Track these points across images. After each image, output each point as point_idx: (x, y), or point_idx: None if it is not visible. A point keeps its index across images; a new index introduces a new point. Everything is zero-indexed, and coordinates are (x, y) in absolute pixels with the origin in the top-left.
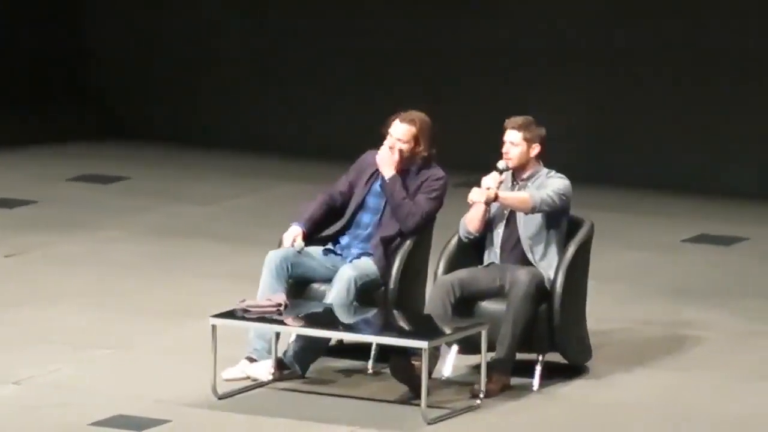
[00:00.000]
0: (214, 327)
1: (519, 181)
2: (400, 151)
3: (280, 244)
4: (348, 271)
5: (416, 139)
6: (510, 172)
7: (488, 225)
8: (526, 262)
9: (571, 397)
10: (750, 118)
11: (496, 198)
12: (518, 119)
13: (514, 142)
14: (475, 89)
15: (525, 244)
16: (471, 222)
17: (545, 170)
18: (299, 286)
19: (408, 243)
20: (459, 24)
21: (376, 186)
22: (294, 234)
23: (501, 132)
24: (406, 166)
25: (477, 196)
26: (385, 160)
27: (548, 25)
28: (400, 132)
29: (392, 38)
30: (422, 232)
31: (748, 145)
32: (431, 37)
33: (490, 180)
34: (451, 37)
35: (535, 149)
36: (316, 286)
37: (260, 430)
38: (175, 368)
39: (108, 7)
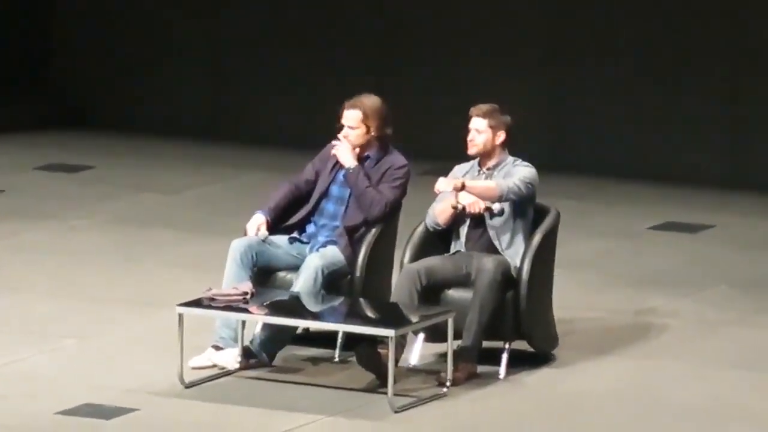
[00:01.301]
0: (180, 316)
1: (485, 170)
2: (348, 137)
3: (245, 234)
4: (315, 260)
5: (365, 122)
6: (476, 161)
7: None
8: (492, 250)
9: (538, 385)
10: (717, 104)
11: (463, 187)
12: (483, 106)
13: (480, 129)
14: (436, 77)
15: (491, 232)
16: (441, 215)
17: (511, 159)
18: (264, 274)
19: (373, 231)
20: (419, 10)
21: (340, 175)
22: (258, 223)
23: (465, 120)
24: (363, 151)
25: (444, 185)
26: (343, 152)
27: (509, 11)
28: (347, 119)
29: (354, 26)
30: (388, 220)
31: (715, 132)
32: (391, 24)
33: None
34: (411, 25)
35: (501, 136)
36: (282, 274)
37: (227, 419)
38: (141, 357)
39: None
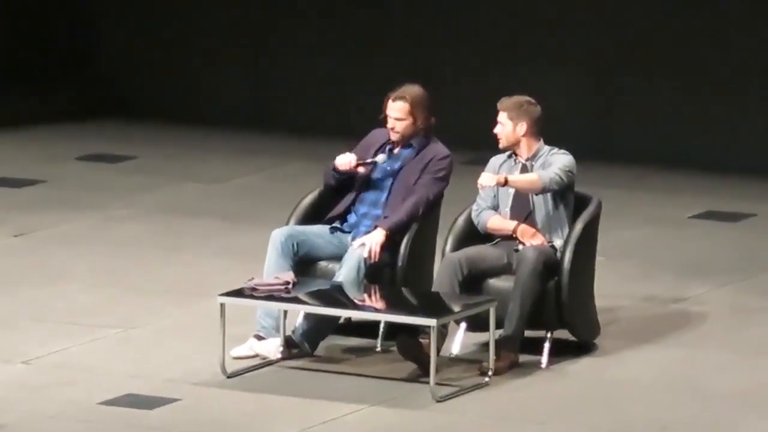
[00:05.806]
0: (222, 305)
1: (523, 161)
2: (395, 129)
3: (334, 168)
4: (358, 249)
5: (412, 113)
6: (509, 153)
7: (496, 204)
8: None
9: (580, 374)
10: (758, 94)
11: (506, 182)
12: (505, 99)
13: (500, 122)
14: (479, 65)
15: (533, 221)
16: (494, 231)
17: (547, 148)
18: (305, 264)
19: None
20: None
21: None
22: (349, 158)
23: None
24: (408, 139)
25: (487, 180)
26: (376, 243)
27: None
28: (394, 110)
29: (394, 15)
30: (430, 211)
31: (756, 120)
32: (431, 11)
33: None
34: (451, 11)
35: (522, 127)
36: (323, 264)
37: (270, 408)
38: (183, 347)
39: None
